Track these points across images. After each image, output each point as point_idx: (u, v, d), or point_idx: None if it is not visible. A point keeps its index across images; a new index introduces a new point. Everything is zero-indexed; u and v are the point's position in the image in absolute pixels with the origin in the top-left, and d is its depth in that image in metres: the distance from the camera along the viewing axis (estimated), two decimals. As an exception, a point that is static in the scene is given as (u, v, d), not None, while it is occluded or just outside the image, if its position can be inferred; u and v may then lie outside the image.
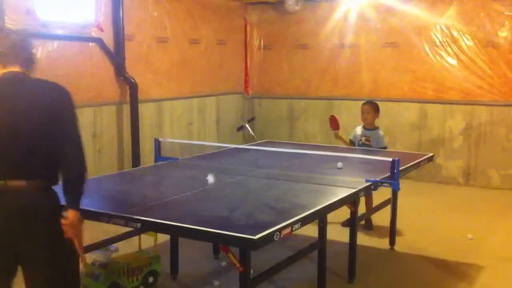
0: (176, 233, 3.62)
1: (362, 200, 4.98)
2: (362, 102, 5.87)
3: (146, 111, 7.03)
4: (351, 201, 3.81)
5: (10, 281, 2.65)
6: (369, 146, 5.51)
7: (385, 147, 5.57)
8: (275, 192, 3.63)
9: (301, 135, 8.62)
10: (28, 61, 2.67)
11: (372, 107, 5.64)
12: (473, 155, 7.43)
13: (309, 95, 8.58)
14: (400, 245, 4.97)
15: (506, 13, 7.04)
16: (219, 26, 8.30)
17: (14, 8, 5.43)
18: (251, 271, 2.98)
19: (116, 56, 6.54)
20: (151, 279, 3.99)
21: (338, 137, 5.64)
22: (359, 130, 5.63)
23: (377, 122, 5.76)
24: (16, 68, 2.60)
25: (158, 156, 4.62)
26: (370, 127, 5.62)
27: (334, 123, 5.68)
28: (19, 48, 2.64)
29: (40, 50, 5.62)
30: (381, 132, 5.65)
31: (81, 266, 3.00)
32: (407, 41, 7.69)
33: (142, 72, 6.96)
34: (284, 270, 3.47)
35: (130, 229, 3.37)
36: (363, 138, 5.56)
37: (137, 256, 4.02)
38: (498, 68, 7.18)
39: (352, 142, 5.63)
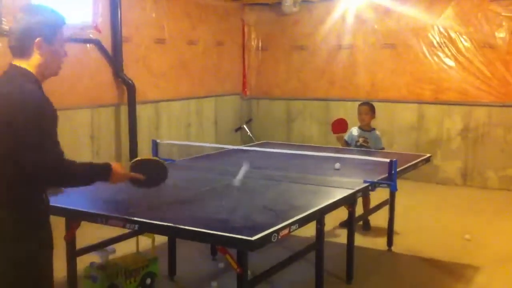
0: (173, 235, 3.62)
1: (360, 200, 5.00)
2: (359, 103, 5.86)
3: (143, 112, 7.03)
4: (349, 202, 3.81)
5: None
6: (367, 147, 5.50)
7: (382, 148, 5.57)
8: (273, 193, 3.63)
9: (298, 136, 8.62)
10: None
11: (370, 108, 5.64)
12: (471, 156, 7.44)
13: (307, 96, 8.59)
14: (398, 246, 4.98)
15: (503, 14, 7.05)
16: (216, 27, 8.30)
17: (12, 10, 5.42)
18: (249, 273, 2.98)
19: (114, 57, 6.54)
20: (148, 281, 3.98)
21: (340, 139, 5.53)
22: (355, 131, 5.60)
23: (374, 123, 5.76)
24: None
25: (155, 157, 4.61)
26: (367, 128, 5.61)
27: (342, 126, 5.52)
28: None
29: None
30: (378, 133, 5.65)
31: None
32: (404, 42, 7.70)
33: (140, 73, 6.95)
34: (281, 272, 3.47)
35: (128, 230, 3.36)
36: (361, 139, 5.55)
37: (135, 257, 4.02)
38: (496, 69, 7.18)
39: (346, 143, 5.59)
